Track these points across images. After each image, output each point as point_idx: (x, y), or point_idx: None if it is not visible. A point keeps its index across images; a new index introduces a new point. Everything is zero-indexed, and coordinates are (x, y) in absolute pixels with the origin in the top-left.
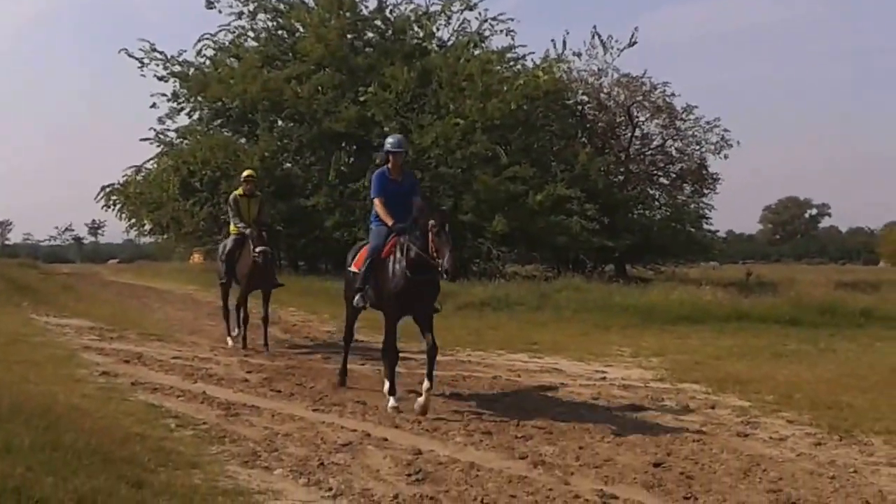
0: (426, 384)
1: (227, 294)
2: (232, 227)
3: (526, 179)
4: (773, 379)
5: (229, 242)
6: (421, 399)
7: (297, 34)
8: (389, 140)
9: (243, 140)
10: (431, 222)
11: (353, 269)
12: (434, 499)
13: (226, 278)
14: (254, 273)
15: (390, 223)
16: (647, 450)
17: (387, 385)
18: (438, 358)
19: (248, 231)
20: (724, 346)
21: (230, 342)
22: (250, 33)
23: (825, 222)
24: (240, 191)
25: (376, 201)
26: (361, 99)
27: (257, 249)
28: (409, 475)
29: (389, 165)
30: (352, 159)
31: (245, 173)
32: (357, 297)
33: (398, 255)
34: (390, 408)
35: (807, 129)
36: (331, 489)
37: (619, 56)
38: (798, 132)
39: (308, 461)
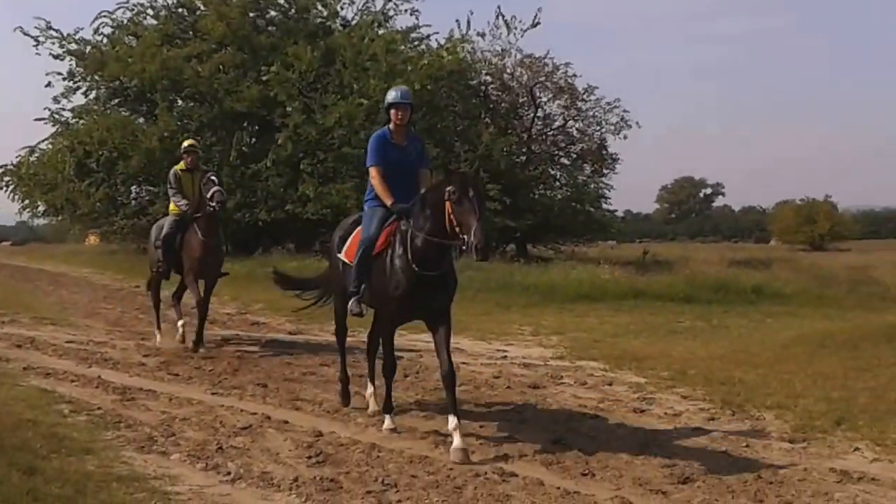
0: (452, 422)
1: (159, 284)
2: (172, 206)
3: (430, 160)
4: (668, 356)
5: (167, 225)
6: (456, 442)
7: (198, 12)
8: (392, 93)
9: (142, 120)
10: (450, 188)
11: (342, 257)
12: (334, 480)
13: (163, 266)
14: (203, 258)
15: (389, 202)
16: (546, 427)
17: (374, 403)
18: None
19: (189, 209)
20: (621, 323)
21: (158, 339)
22: (150, 11)
23: (719, 201)
24: (181, 165)
25: (372, 172)
26: (264, 78)
27: (212, 192)
28: (310, 457)
29: (391, 126)
30: (254, 140)
31: (185, 143)
32: (352, 303)
33: (398, 247)
34: (386, 429)
35: (705, 111)
36: (229, 473)
37: (522, 37)
38: (697, 114)
39: (206, 445)
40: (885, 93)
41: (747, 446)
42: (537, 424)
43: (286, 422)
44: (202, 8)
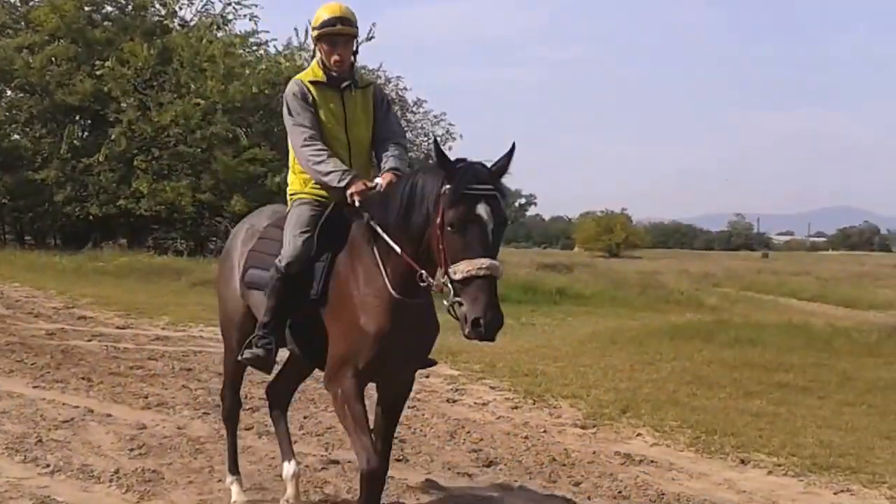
0: None
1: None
2: (295, 178)
3: (265, 161)
4: (480, 350)
5: (293, 226)
6: None
7: (32, 3)
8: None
9: None
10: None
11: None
12: (157, 472)
13: (267, 343)
14: (394, 328)
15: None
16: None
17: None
18: (169, 334)
19: None
20: (440, 320)
21: (235, 493)
22: None
23: (532, 210)
24: (310, 73)
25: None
26: (98, 73)
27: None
28: (132, 450)
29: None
30: (85, 134)
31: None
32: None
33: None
34: None
35: (526, 127)
36: (48, 465)
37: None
38: (518, 130)
39: (25, 438)
40: (674, 125)
41: (545, 432)
42: None
43: (109, 415)
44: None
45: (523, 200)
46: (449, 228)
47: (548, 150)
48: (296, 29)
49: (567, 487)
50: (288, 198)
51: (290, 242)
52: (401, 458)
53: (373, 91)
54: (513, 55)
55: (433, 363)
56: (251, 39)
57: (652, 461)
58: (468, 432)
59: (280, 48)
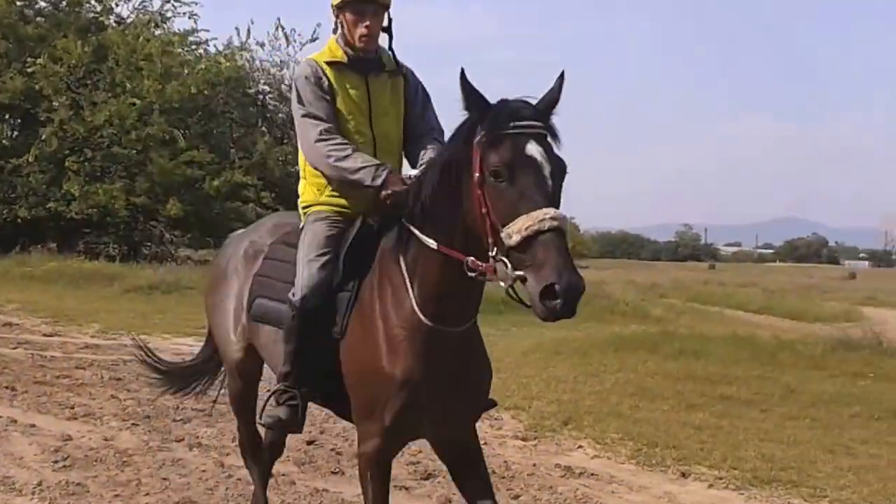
0: None
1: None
2: (307, 185)
3: (203, 164)
4: None
5: (307, 248)
6: None
7: None
8: None
9: None
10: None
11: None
12: (81, 485)
13: (292, 404)
14: (432, 379)
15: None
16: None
17: None
18: (99, 342)
19: None
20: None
21: None
22: None
23: None
24: (328, 52)
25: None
26: (29, 70)
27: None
28: (56, 462)
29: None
30: (15, 133)
31: None
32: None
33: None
34: None
35: None
36: None
37: (301, 50)
38: None
39: None
40: (624, 135)
41: (485, 444)
42: None
43: (33, 425)
44: None
45: None
46: (493, 179)
47: None
48: (237, 28)
49: (506, 500)
50: (301, 212)
51: (305, 269)
52: (337, 470)
53: (406, 77)
54: (461, 61)
55: (493, 404)
56: (190, 38)
57: (592, 474)
58: (407, 444)
59: (220, 48)
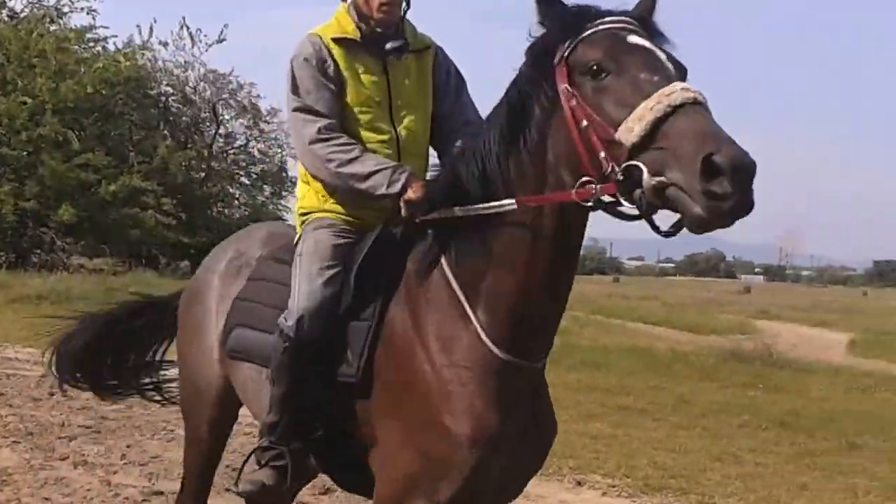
0: None
1: None
2: (306, 194)
3: (99, 168)
4: None
5: (303, 276)
6: None
7: None
8: None
9: None
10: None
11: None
12: None
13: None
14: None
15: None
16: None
17: None
18: None
19: None
20: None
21: None
22: None
23: None
24: (337, 23)
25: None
26: None
27: None
28: None
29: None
30: None
31: None
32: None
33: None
34: None
35: None
36: None
37: (207, 51)
38: None
39: None
40: None
41: None
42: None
43: None
44: None
45: None
46: (590, 80)
47: None
48: (139, 26)
49: None
50: (297, 220)
51: (304, 285)
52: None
53: (433, 57)
54: None
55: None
56: (88, 35)
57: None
58: None
59: (120, 45)
